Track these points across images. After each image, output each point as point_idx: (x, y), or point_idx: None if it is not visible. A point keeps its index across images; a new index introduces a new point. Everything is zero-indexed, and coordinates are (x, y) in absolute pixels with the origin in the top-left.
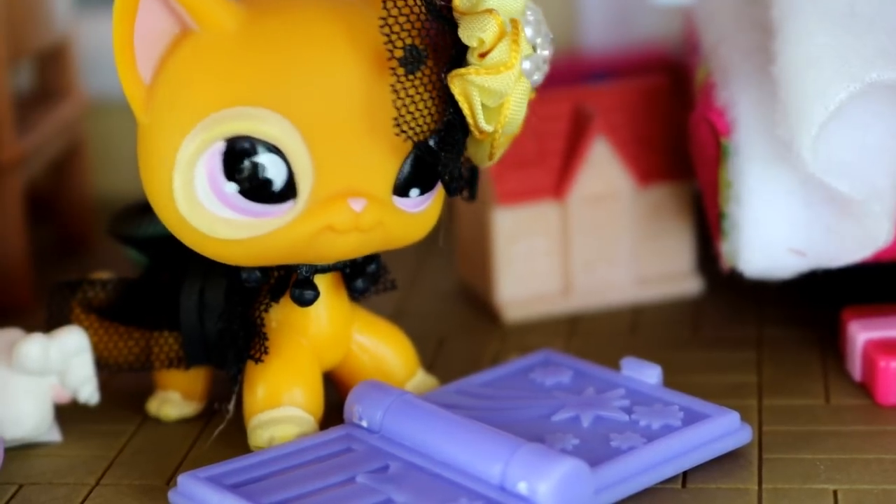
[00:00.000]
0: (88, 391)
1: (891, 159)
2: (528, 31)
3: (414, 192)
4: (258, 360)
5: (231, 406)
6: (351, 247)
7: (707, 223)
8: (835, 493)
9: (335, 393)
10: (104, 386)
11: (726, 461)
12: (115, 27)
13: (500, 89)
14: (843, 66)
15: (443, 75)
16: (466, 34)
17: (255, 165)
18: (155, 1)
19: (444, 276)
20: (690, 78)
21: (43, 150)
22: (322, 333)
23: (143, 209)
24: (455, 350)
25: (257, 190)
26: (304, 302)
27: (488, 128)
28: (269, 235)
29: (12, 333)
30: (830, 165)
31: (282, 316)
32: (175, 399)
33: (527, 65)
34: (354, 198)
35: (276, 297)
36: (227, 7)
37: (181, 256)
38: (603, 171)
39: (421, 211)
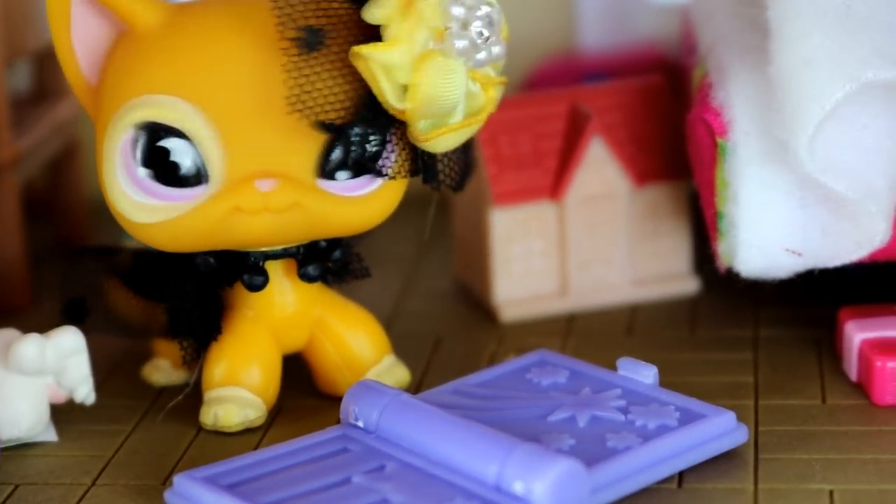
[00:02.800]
0: (85, 391)
1: (887, 159)
2: (458, 10)
3: (341, 175)
4: (212, 339)
5: (191, 381)
6: (267, 229)
7: (704, 223)
8: (831, 493)
9: (331, 391)
10: (100, 386)
11: (722, 461)
12: (53, 35)
13: (396, 63)
14: (840, 66)
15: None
16: (368, 13)
17: (161, 150)
18: (85, 5)
19: (441, 277)
20: (687, 78)
21: (39, 150)
22: (280, 317)
23: None
24: (452, 350)
25: (166, 174)
26: (254, 287)
27: (401, 106)
28: (182, 218)
29: (9, 333)
30: (827, 165)
31: (241, 298)
32: (164, 367)
33: (461, 43)
34: (262, 179)
35: (229, 282)
36: (149, 3)
37: None
38: (600, 171)
39: (361, 195)
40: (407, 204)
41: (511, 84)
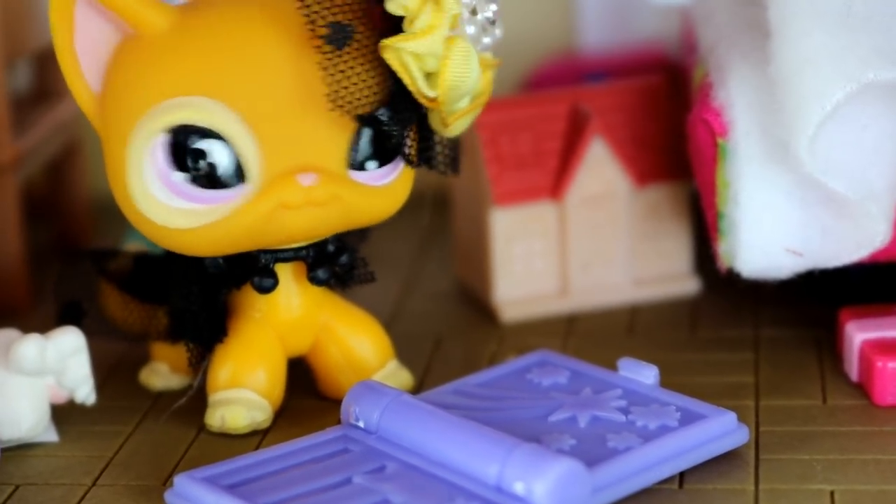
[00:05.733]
0: (85, 391)
1: (887, 159)
2: None
3: (371, 164)
4: (217, 342)
5: (195, 383)
6: (309, 223)
7: (704, 223)
8: (832, 493)
9: (333, 395)
10: (101, 386)
11: (723, 462)
12: (55, 41)
13: (429, 52)
14: (840, 67)
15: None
16: (391, 4)
17: (198, 153)
18: (89, 11)
19: (442, 277)
20: (688, 78)
21: (40, 150)
22: (286, 320)
23: None
24: (452, 350)
25: (204, 177)
26: (263, 289)
27: (432, 94)
28: (225, 220)
29: (9, 334)
30: (827, 166)
31: (247, 300)
32: (162, 371)
33: (471, 29)
34: (303, 173)
35: (237, 284)
36: (157, 7)
37: None
38: (600, 171)
39: (385, 184)
40: (407, 203)
41: (512, 84)
